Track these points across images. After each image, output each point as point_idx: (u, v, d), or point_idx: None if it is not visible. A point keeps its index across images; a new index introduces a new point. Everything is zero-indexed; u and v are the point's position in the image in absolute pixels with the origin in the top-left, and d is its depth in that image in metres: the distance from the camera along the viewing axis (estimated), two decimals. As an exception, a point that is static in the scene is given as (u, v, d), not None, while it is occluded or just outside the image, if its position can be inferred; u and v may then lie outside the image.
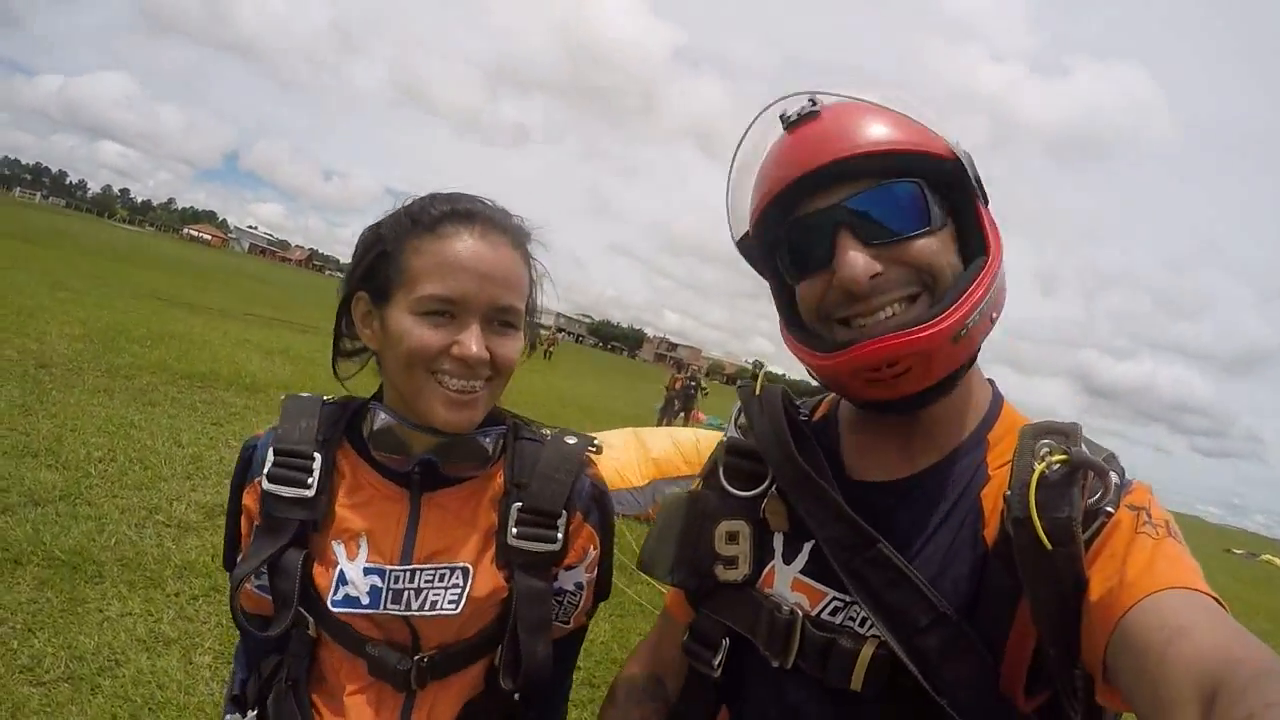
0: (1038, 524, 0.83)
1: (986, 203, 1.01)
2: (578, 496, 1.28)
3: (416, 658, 1.20)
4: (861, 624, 0.98)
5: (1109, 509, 0.87)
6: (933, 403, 1.00)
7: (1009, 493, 0.89)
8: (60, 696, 3.11)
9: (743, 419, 1.18)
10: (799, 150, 0.98)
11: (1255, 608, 16.67)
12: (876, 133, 0.95)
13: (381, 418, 1.19)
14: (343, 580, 1.18)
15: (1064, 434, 0.92)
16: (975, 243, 0.99)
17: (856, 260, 0.93)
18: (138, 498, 5.23)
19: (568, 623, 1.34)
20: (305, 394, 1.30)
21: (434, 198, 1.18)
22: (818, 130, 0.98)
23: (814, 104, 0.99)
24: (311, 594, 1.19)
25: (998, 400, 1.08)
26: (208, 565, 4.44)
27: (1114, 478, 0.88)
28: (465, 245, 1.12)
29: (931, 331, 0.90)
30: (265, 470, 1.19)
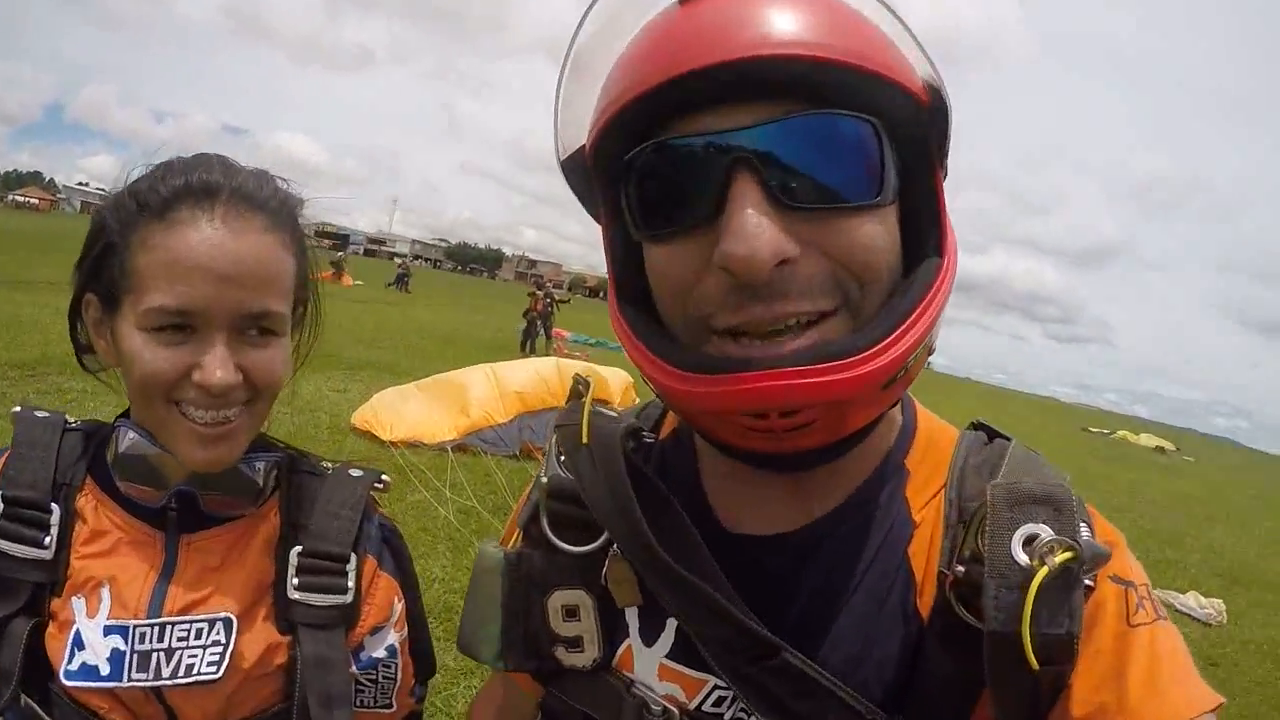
0: (1028, 646, 0.62)
1: (945, 170, 0.70)
2: (367, 539, 1.09)
3: None
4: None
5: (1088, 582, 0.67)
6: (835, 459, 0.73)
7: (962, 570, 0.68)
8: None
9: (564, 460, 0.86)
10: (692, 35, 0.62)
11: (1115, 483, 17.75)
12: (824, 33, 0.60)
13: (129, 438, 0.97)
14: (79, 644, 0.94)
15: (1054, 506, 0.68)
16: (925, 234, 0.69)
17: (760, 229, 0.59)
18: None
19: (390, 705, 1.14)
20: (42, 412, 1.05)
21: (168, 168, 0.94)
22: (729, 9, 0.62)
23: None
24: (42, 669, 0.96)
25: (909, 407, 0.82)
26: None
27: (1084, 531, 0.67)
28: (201, 237, 0.88)
29: (860, 373, 0.62)
30: None
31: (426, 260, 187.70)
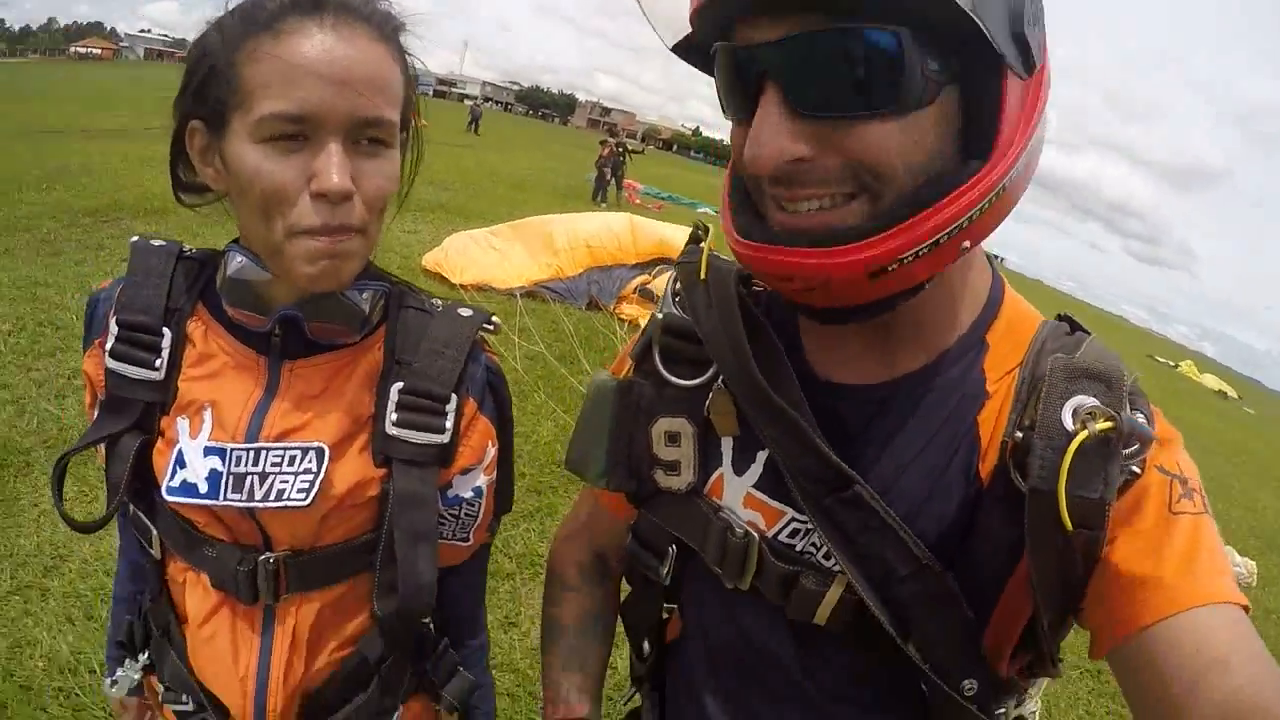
0: (1063, 504, 0.68)
1: (1030, 71, 0.71)
2: (470, 380, 1.08)
3: (262, 558, 1.01)
4: (827, 555, 0.83)
5: (1135, 468, 0.72)
6: (874, 317, 0.78)
7: (1020, 436, 0.74)
8: (13, 611, 2.91)
9: (681, 296, 0.95)
10: None
11: (1169, 417, 16.62)
12: None
13: (237, 262, 0.97)
14: (180, 463, 0.98)
15: (1105, 382, 0.73)
16: (979, 134, 0.70)
17: (770, 135, 0.69)
18: (54, 366, 4.82)
19: (467, 539, 1.16)
20: (158, 241, 1.06)
21: None
22: None
23: None
24: (148, 482, 1.02)
25: (998, 286, 0.86)
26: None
27: (1140, 418, 0.73)
28: (314, 44, 0.86)
29: (841, 261, 0.69)
30: (108, 344, 0.99)
31: (497, 103, 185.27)
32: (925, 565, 0.77)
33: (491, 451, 1.13)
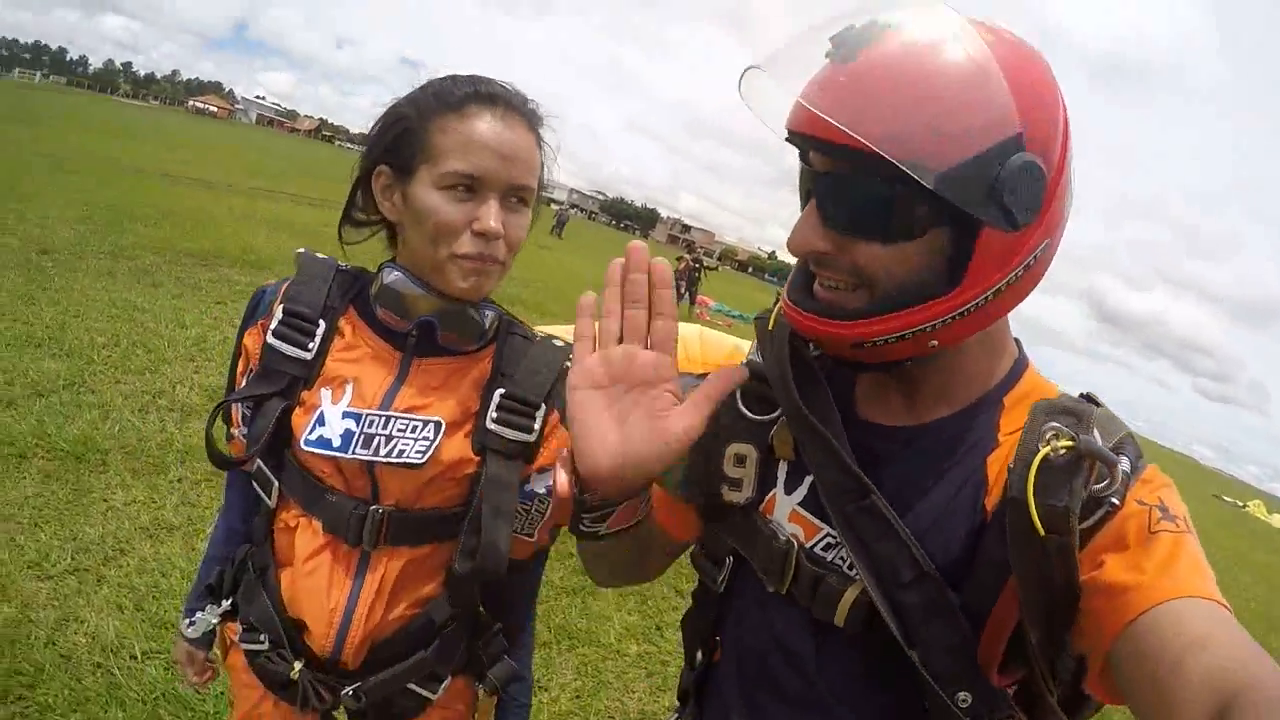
0: (1033, 508, 0.81)
1: (1015, 227, 0.85)
2: (556, 396, 1.30)
3: (372, 508, 1.24)
4: (850, 566, 0.97)
5: (1114, 500, 0.84)
6: (887, 372, 0.99)
7: (1011, 465, 0.87)
8: (67, 589, 3.13)
9: (757, 348, 1.16)
10: (818, 96, 0.85)
11: (1232, 554, 16.48)
12: (869, 127, 0.80)
13: (393, 275, 1.25)
14: (320, 421, 1.24)
15: (1075, 416, 0.88)
16: (957, 269, 0.87)
17: (805, 233, 0.91)
18: (141, 383, 5.20)
19: (531, 536, 1.36)
20: (322, 255, 1.35)
21: (456, 79, 1.23)
22: (836, 84, 0.84)
23: (845, 54, 0.85)
24: (282, 438, 1.26)
25: (1021, 362, 1.03)
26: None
27: (1124, 465, 0.85)
28: (488, 125, 1.18)
29: (831, 330, 0.91)
30: (272, 325, 1.25)
31: (582, 210, 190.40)
32: (927, 573, 0.89)
33: (566, 455, 1.37)
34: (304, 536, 1.28)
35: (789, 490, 1.05)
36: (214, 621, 1.40)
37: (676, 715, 1.27)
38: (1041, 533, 0.81)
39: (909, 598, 0.90)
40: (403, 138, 1.22)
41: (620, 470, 0.86)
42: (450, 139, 1.18)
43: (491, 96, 1.21)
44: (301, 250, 1.35)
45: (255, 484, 1.32)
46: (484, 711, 1.44)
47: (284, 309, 1.26)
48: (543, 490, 1.33)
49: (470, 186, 1.18)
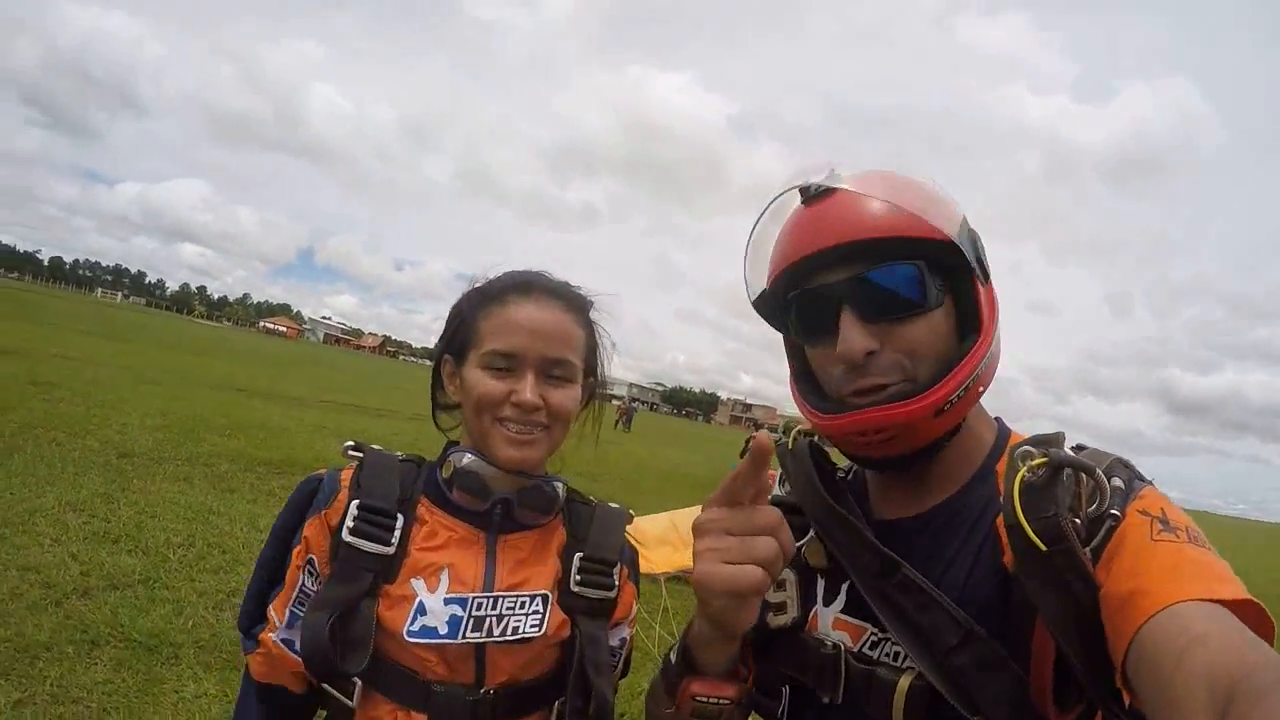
0: (1026, 527, 0.85)
1: (987, 281, 1.05)
2: (624, 553, 1.41)
3: (483, 690, 1.23)
4: (897, 658, 1.01)
5: (1114, 513, 0.87)
6: (920, 465, 1.06)
7: (1001, 501, 0.92)
8: None
9: (781, 475, 1.25)
10: (812, 228, 1.04)
11: None
12: (880, 219, 0.99)
13: (466, 457, 1.29)
14: (421, 611, 1.22)
15: (1045, 441, 0.96)
16: (972, 321, 1.03)
17: (854, 337, 0.99)
18: (215, 581, 5.32)
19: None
20: (379, 449, 1.36)
21: (502, 275, 1.35)
22: (830, 210, 1.03)
23: (826, 184, 1.04)
24: (375, 640, 1.21)
25: (1003, 434, 1.13)
26: (280, 648, 4.41)
27: (1115, 481, 0.90)
28: (521, 310, 1.28)
29: (915, 407, 0.97)
30: (347, 523, 1.23)
31: (643, 403, 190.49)
32: (971, 632, 0.92)
33: (634, 609, 1.44)
34: None
35: (828, 602, 1.12)
36: None
37: None
38: (1043, 548, 0.84)
39: (959, 660, 0.92)
40: (459, 330, 1.34)
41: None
42: (491, 324, 1.28)
43: (527, 285, 1.31)
44: (350, 443, 1.35)
45: (331, 688, 1.22)
46: None
47: (359, 505, 1.24)
48: (616, 643, 1.39)
49: (509, 365, 1.26)
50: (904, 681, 0.97)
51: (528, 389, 1.24)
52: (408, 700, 1.22)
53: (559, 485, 1.37)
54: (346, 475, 1.29)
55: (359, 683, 1.21)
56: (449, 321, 1.38)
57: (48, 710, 3.43)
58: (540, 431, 1.28)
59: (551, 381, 1.28)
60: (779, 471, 1.27)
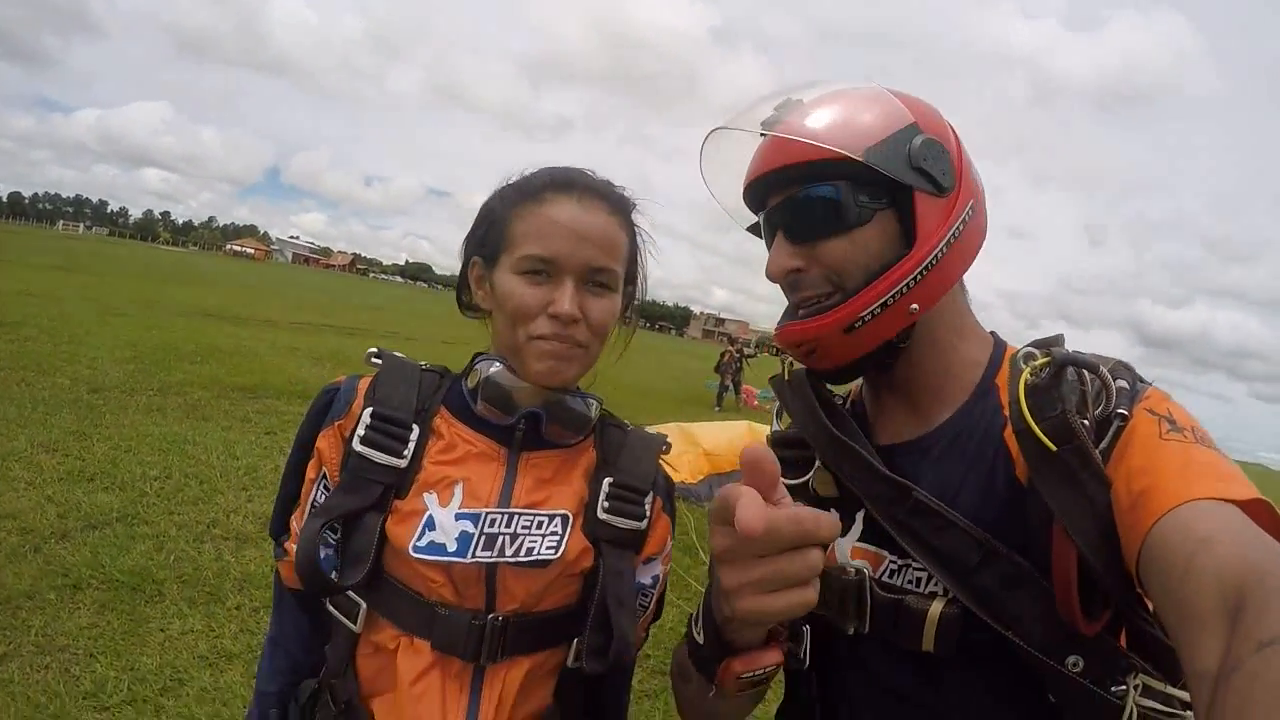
0: (1036, 429, 0.85)
1: (942, 192, 1.02)
2: (658, 483, 1.29)
3: (490, 617, 1.14)
4: (919, 583, 1.00)
5: (1121, 411, 0.87)
6: (846, 379, 1.11)
7: (1009, 410, 0.92)
8: (123, 719, 3.10)
9: (781, 409, 1.25)
10: (758, 155, 1.09)
11: None
12: (797, 144, 1.01)
13: (494, 366, 1.20)
14: (430, 526, 1.14)
15: (1046, 343, 0.97)
16: (909, 233, 1.01)
17: (777, 257, 1.06)
18: (195, 513, 5.23)
19: (641, 631, 1.31)
20: (402, 356, 1.28)
21: (539, 171, 1.24)
22: (772, 139, 1.06)
23: (774, 115, 1.06)
24: (376, 555, 1.14)
25: (1000, 348, 1.11)
26: (267, 576, 4.35)
27: (1120, 383, 0.90)
28: (562, 209, 1.17)
29: (820, 323, 1.01)
30: (359, 431, 1.17)
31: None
32: (992, 549, 0.91)
33: (669, 544, 1.32)
34: (408, 658, 1.14)
35: (844, 532, 1.09)
36: None
37: None
38: (1053, 448, 0.85)
39: (983, 579, 0.91)
40: (490, 229, 1.23)
41: None
42: (527, 225, 1.17)
43: (569, 183, 1.20)
44: (374, 349, 1.28)
45: (334, 608, 1.18)
46: None
47: (372, 413, 1.17)
48: (648, 581, 1.30)
49: (545, 269, 1.15)
50: (935, 609, 0.96)
51: (566, 299, 1.14)
52: (411, 625, 1.15)
53: (593, 403, 1.28)
54: (364, 384, 1.24)
55: (363, 605, 1.15)
56: (478, 220, 1.27)
57: (34, 661, 3.35)
58: (577, 349, 1.18)
59: (592, 290, 1.18)
60: (777, 404, 1.27)
